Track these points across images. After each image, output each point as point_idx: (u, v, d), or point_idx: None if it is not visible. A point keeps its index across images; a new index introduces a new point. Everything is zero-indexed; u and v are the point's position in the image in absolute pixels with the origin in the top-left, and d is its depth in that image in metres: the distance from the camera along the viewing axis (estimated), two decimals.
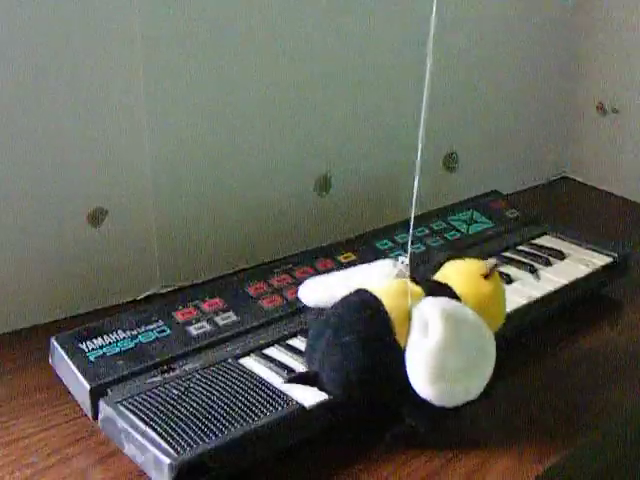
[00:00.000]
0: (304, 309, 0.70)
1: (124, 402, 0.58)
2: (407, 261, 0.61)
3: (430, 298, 0.58)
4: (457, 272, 0.62)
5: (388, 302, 0.57)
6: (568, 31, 1.15)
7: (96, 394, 0.59)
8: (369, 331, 0.56)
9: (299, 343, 0.66)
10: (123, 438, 0.56)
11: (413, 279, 0.60)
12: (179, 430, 0.54)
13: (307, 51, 0.88)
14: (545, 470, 0.58)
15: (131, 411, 0.56)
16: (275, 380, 0.61)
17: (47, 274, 0.77)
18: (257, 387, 0.59)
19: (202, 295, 0.70)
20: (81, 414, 0.62)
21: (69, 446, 0.61)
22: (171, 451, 0.52)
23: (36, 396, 0.66)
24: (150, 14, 0.76)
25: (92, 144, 0.77)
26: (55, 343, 0.64)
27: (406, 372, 0.56)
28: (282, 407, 0.57)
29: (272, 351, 0.65)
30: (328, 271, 0.75)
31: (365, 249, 0.80)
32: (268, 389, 0.59)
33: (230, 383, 0.60)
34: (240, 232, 0.89)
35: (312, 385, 0.58)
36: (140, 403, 0.57)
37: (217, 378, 0.60)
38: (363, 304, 0.58)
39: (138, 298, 0.83)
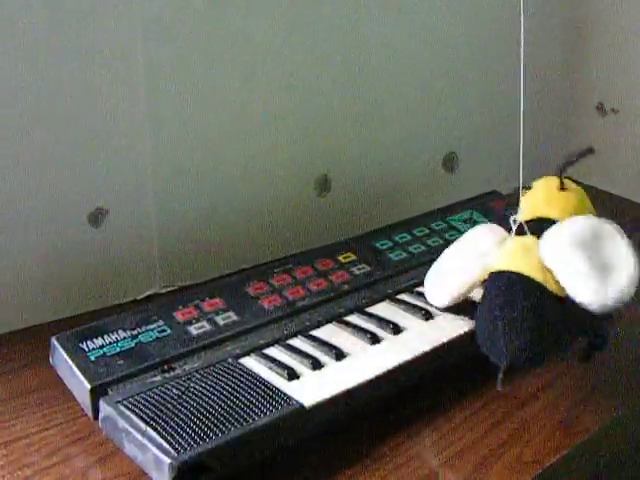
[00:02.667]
0: (304, 309, 0.70)
1: (124, 402, 0.58)
2: (519, 218, 0.65)
3: (544, 240, 0.62)
4: (539, 201, 0.67)
5: (523, 267, 0.61)
6: (568, 31, 1.15)
7: (96, 394, 0.59)
8: (532, 303, 0.59)
9: (299, 343, 0.66)
10: (123, 438, 0.56)
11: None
12: (179, 430, 0.54)
13: (307, 51, 0.88)
14: (544, 470, 0.58)
15: (131, 411, 0.56)
16: (275, 380, 0.61)
17: (47, 274, 0.77)
18: (257, 387, 0.59)
19: (202, 295, 0.70)
20: (81, 414, 0.62)
21: (69, 446, 0.61)
22: (171, 451, 0.52)
23: (36, 396, 0.66)
24: (151, 14, 0.76)
25: (92, 144, 0.77)
26: (55, 343, 0.64)
27: (577, 311, 0.59)
28: (282, 407, 0.57)
29: (272, 351, 0.65)
30: (328, 271, 0.75)
31: (365, 249, 0.80)
32: (268, 389, 0.59)
33: (230, 383, 0.60)
34: (240, 232, 0.89)
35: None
36: (140, 403, 0.57)
37: (217, 378, 0.61)
38: (512, 285, 0.61)
39: (138, 298, 0.83)
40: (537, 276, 0.60)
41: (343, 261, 0.78)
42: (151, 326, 0.66)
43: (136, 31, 0.76)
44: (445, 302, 0.66)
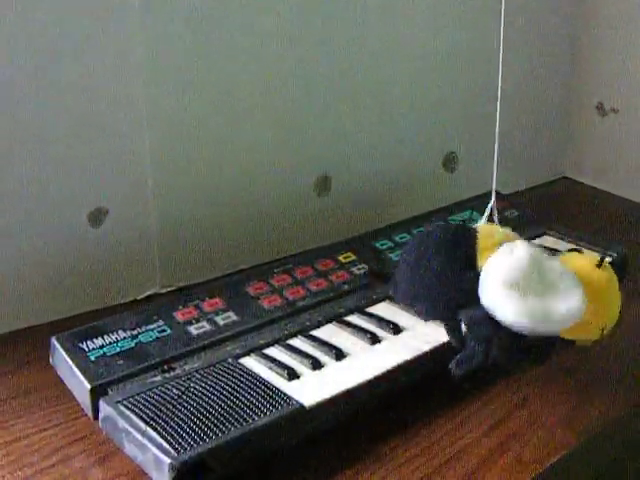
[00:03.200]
0: (304, 309, 0.71)
1: (124, 402, 0.58)
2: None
3: (521, 240, 0.60)
4: (571, 259, 0.62)
5: (482, 231, 0.61)
6: (568, 31, 1.15)
7: (96, 394, 0.59)
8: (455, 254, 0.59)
9: (299, 343, 0.67)
10: (123, 438, 0.56)
11: None
12: (179, 430, 0.54)
13: (307, 51, 0.88)
14: (545, 470, 0.58)
15: (131, 411, 0.56)
16: (275, 380, 0.61)
17: (47, 274, 0.77)
18: (257, 387, 0.59)
19: (202, 295, 0.70)
20: (81, 414, 0.62)
21: (69, 446, 0.61)
22: (171, 451, 0.52)
23: (36, 396, 0.66)
24: (151, 13, 0.76)
25: (92, 144, 0.77)
26: (55, 343, 0.64)
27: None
28: (282, 407, 0.57)
29: (272, 351, 0.65)
30: (328, 271, 0.75)
31: (365, 249, 0.80)
32: (268, 389, 0.59)
33: (230, 383, 0.60)
34: (240, 232, 0.89)
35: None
36: (140, 403, 0.57)
37: (217, 378, 0.61)
38: (457, 228, 0.62)
39: (138, 298, 0.83)
40: (481, 237, 0.60)
41: (343, 261, 0.78)
42: (151, 326, 0.66)
43: (136, 30, 0.76)
44: None
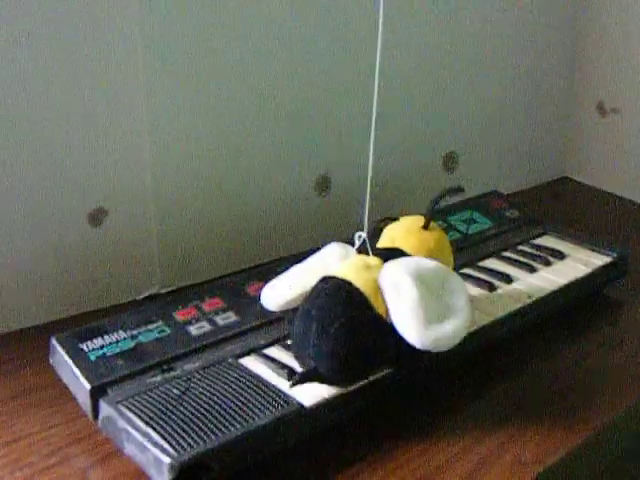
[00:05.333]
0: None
1: (124, 402, 0.58)
2: (365, 235, 0.64)
3: (389, 263, 0.61)
4: (399, 233, 0.67)
5: (356, 280, 0.60)
6: (568, 31, 1.15)
7: (96, 394, 0.59)
8: (352, 313, 0.58)
9: None
10: (123, 438, 0.56)
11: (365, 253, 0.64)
12: (179, 430, 0.54)
13: (307, 51, 0.88)
14: (545, 470, 0.58)
15: (131, 411, 0.56)
16: (275, 380, 0.61)
17: (47, 274, 0.77)
18: (257, 387, 0.59)
19: (202, 295, 0.70)
20: (81, 414, 0.62)
21: (69, 446, 0.61)
22: (171, 451, 0.52)
23: (36, 396, 0.66)
24: (150, 15, 0.76)
25: (92, 144, 0.77)
26: (55, 343, 0.64)
27: (394, 337, 0.58)
28: (282, 407, 0.57)
29: (272, 351, 0.65)
30: None
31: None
32: (268, 389, 0.59)
33: (230, 383, 0.60)
34: (240, 232, 0.89)
35: (316, 380, 0.59)
36: (140, 403, 0.57)
37: (217, 378, 0.61)
38: (338, 289, 0.60)
39: (138, 298, 0.83)
40: (366, 291, 0.59)
41: None
42: (151, 326, 0.66)
43: (136, 30, 0.76)
44: (275, 306, 0.65)
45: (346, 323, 0.58)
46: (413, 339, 0.58)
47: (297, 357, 0.61)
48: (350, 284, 0.60)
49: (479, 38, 1.04)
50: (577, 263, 0.81)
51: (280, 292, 0.65)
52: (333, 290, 0.60)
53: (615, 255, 0.83)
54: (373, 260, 0.63)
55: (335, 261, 0.64)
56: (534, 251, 0.84)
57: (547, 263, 0.81)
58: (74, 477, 0.57)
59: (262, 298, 0.67)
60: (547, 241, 0.87)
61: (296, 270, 0.67)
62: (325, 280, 0.61)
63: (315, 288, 0.61)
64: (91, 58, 0.74)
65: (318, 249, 0.80)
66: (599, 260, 0.82)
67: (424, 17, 0.98)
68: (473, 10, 1.03)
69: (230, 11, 0.81)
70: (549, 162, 1.21)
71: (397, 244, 0.66)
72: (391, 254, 0.64)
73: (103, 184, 0.78)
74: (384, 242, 0.68)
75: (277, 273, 0.74)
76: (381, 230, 0.69)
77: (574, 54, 1.17)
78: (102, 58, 0.75)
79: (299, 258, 0.77)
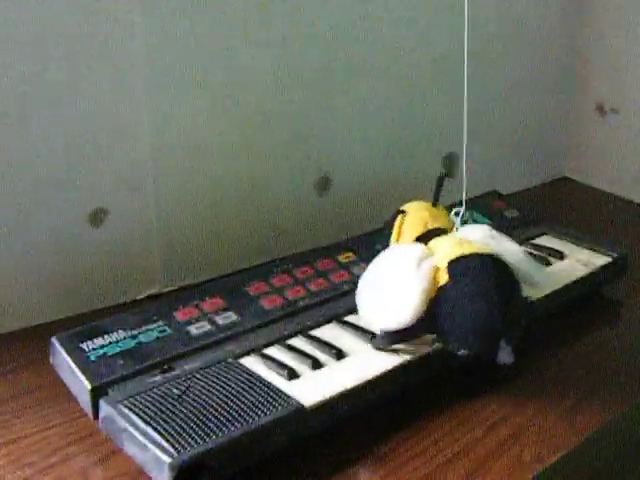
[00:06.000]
0: (304, 309, 0.71)
1: (124, 402, 0.58)
2: (463, 210, 0.73)
3: (473, 232, 0.70)
4: (425, 214, 0.72)
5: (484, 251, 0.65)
6: (568, 31, 1.15)
7: (96, 394, 0.59)
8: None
9: (299, 343, 0.67)
10: (123, 438, 0.56)
11: None
12: (179, 430, 0.54)
13: (308, 51, 0.88)
14: (545, 470, 0.58)
15: (131, 411, 0.56)
16: (275, 380, 0.61)
17: (47, 274, 0.77)
18: (257, 387, 0.59)
19: (202, 295, 0.70)
20: (81, 414, 0.62)
21: (69, 446, 0.61)
22: (171, 450, 0.52)
23: (36, 396, 0.66)
24: (152, 11, 0.76)
25: (92, 144, 0.77)
26: (55, 343, 0.64)
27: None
28: (282, 407, 0.57)
29: (272, 351, 0.65)
30: (328, 271, 0.75)
31: (365, 249, 0.80)
32: (268, 389, 0.59)
33: (230, 383, 0.60)
34: (240, 232, 0.89)
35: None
36: (140, 403, 0.57)
37: (217, 378, 0.61)
38: (489, 264, 0.64)
39: (138, 298, 0.83)
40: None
41: (343, 261, 0.78)
42: (151, 326, 0.66)
43: (137, 30, 0.76)
44: (409, 318, 0.63)
45: (518, 293, 0.64)
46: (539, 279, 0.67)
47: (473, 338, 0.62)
48: (489, 256, 0.64)
49: (479, 39, 1.04)
50: (577, 263, 0.81)
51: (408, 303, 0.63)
52: (485, 265, 0.63)
53: (615, 255, 0.83)
54: (459, 235, 0.69)
55: (422, 255, 0.65)
56: (534, 251, 0.84)
57: (547, 263, 0.81)
58: (74, 477, 0.57)
59: (383, 322, 0.64)
60: (547, 241, 0.87)
61: (392, 279, 0.64)
62: (459, 261, 0.63)
63: (454, 270, 0.63)
64: (91, 56, 0.74)
65: (318, 249, 0.80)
66: (599, 260, 0.82)
67: (425, 18, 0.98)
68: (474, 12, 1.02)
69: (230, 11, 0.81)
70: (549, 162, 1.21)
71: (430, 226, 0.70)
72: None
73: (103, 184, 0.78)
74: (415, 225, 0.70)
75: (277, 273, 0.74)
76: (393, 222, 0.72)
77: (574, 54, 1.16)
78: (102, 56, 0.75)
79: (299, 258, 0.78)
